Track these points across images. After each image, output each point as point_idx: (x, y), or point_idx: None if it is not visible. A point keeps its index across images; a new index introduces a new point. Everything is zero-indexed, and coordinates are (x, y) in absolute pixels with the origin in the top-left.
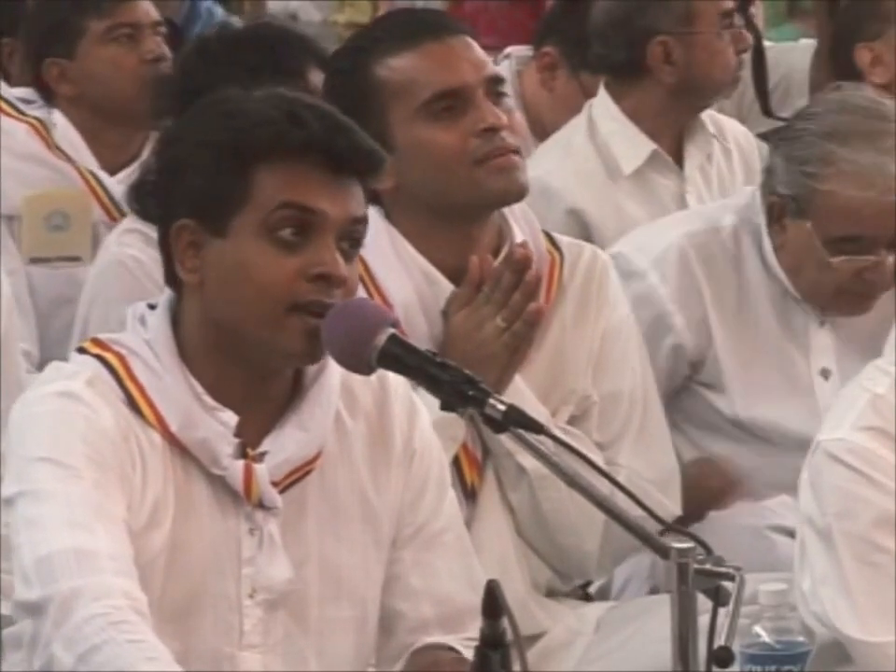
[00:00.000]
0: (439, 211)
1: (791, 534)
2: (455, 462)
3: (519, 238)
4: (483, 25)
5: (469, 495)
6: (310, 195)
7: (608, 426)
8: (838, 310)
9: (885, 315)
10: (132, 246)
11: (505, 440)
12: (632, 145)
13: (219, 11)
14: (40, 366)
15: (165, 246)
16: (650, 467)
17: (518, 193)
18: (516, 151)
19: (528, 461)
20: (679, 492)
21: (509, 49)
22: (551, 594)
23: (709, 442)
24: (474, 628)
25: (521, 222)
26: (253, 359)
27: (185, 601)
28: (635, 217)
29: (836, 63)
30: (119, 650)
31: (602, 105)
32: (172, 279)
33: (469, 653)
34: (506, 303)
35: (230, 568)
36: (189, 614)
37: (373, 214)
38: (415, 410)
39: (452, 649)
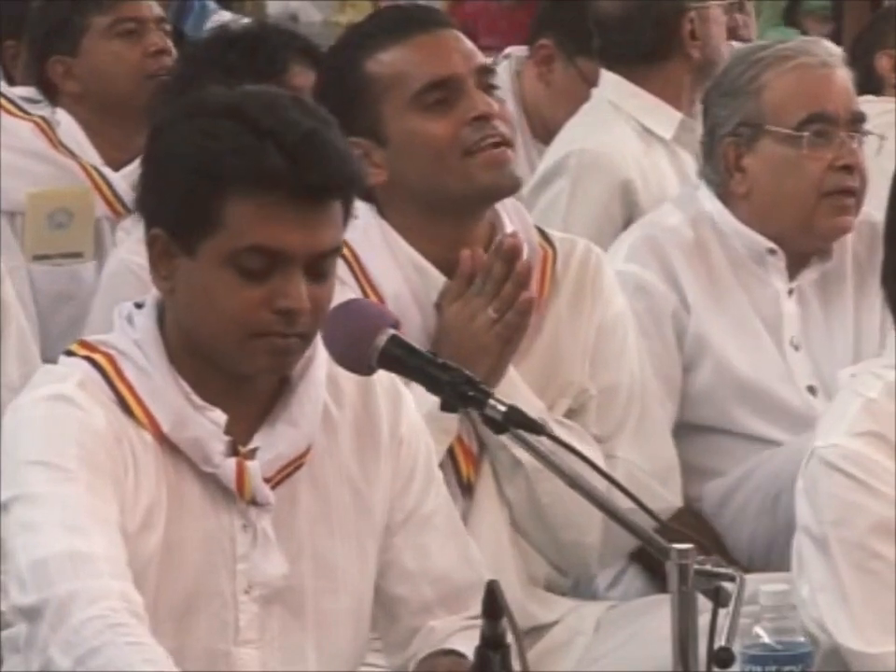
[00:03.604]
0: (431, 205)
1: None
2: (451, 456)
3: (509, 230)
4: (484, 26)
5: (466, 489)
6: (280, 235)
7: (606, 419)
8: (825, 226)
9: (837, 286)
10: (139, 254)
11: None
12: (660, 113)
13: (212, 5)
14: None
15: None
16: (648, 459)
17: (510, 188)
18: (508, 143)
19: (524, 454)
20: (678, 484)
21: (508, 50)
22: (550, 588)
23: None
24: (476, 605)
25: (512, 216)
26: (226, 368)
27: (180, 600)
28: (672, 180)
29: (855, 70)
30: (118, 652)
31: (616, 90)
32: None
33: (474, 635)
34: (497, 294)
35: (224, 565)
36: (185, 613)
37: (365, 209)
38: (399, 396)
39: (454, 652)
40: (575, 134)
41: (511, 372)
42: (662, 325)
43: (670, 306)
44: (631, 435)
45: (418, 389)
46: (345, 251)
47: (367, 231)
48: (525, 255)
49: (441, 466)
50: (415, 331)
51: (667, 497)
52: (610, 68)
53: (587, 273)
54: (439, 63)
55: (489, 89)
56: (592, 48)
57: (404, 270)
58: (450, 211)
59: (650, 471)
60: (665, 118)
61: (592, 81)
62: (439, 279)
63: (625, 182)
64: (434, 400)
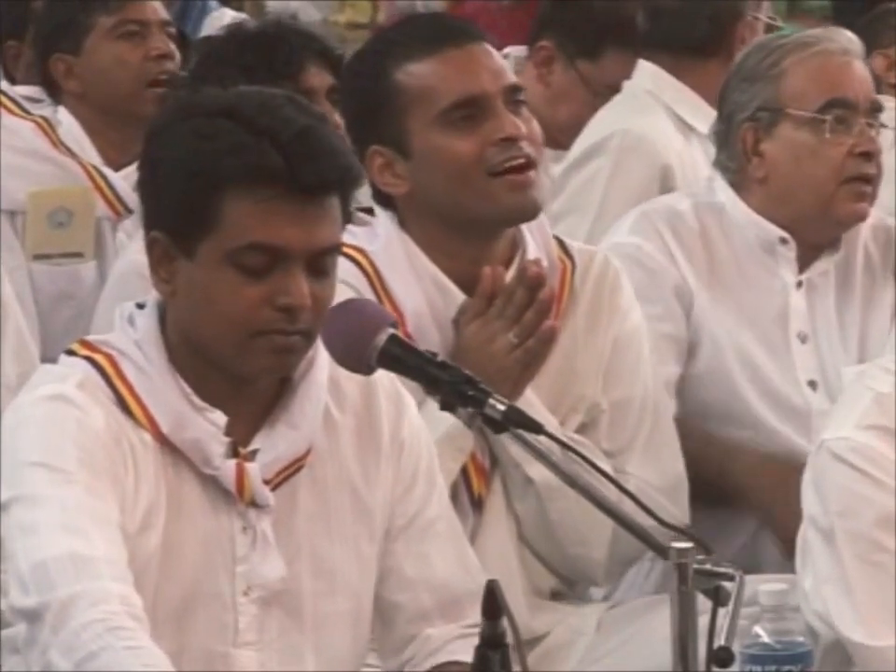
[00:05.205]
0: (451, 221)
1: None
2: (464, 472)
3: (532, 249)
4: (483, 26)
5: (476, 504)
6: (278, 231)
7: (617, 433)
8: (842, 212)
9: (846, 282)
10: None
11: (513, 450)
12: (697, 107)
13: (213, 4)
14: (41, 362)
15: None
16: (658, 475)
17: (532, 212)
18: (533, 165)
19: (536, 472)
20: (686, 500)
21: (507, 50)
22: (556, 597)
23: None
24: (474, 614)
25: (534, 230)
26: (228, 370)
27: (179, 601)
28: (706, 173)
29: None
30: (117, 656)
31: (654, 80)
32: None
33: (472, 644)
34: (518, 320)
35: (223, 567)
36: (184, 614)
37: (387, 220)
38: (402, 400)
39: (461, 664)
40: (612, 119)
41: (527, 392)
42: (663, 290)
43: (672, 279)
44: (642, 450)
45: (433, 410)
46: (366, 265)
47: (389, 245)
48: (547, 283)
49: (455, 484)
50: (433, 347)
51: (676, 515)
52: (651, 58)
53: (605, 286)
54: (468, 81)
55: (518, 107)
56: (592, 50)
57: (424, 285)
58: (470, 229)
59: (659, 488)
60: (702, 112)
61: (591, 83)
62: (458, 296)
63: (665, 167)
64: (450, 421)
